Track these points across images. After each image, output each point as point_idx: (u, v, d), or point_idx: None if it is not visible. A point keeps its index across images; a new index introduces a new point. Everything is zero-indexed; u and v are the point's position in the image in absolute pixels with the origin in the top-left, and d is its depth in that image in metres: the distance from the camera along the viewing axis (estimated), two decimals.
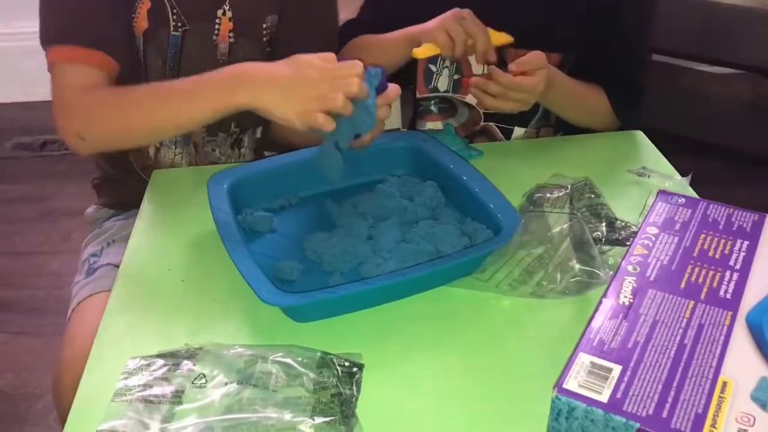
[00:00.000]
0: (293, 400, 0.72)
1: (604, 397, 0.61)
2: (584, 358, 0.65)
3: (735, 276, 0.75)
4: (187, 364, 0.76)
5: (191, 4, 1.16)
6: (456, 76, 1.24)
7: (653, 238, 0.81)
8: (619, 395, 0.61)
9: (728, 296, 0.72)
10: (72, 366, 0.97)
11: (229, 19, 1.18)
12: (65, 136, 1.09)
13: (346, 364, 0.78)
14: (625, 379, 0.62)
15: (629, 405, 0.60)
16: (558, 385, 0.62)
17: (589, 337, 0.67)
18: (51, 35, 1.11)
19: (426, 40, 1.10)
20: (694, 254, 0.79)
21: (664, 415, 0.59)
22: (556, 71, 1.15)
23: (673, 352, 0.65)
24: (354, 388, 0.75)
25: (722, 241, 0.80)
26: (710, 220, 0.84)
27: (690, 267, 0.77)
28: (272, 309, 0.86)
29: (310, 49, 0.95)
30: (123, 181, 1.30)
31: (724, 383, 0.62)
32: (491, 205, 0.96)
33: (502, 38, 1.13)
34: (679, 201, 0.87)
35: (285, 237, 1.00)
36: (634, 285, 0.74)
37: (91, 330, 0.87)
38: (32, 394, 1.83)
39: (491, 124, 1.27)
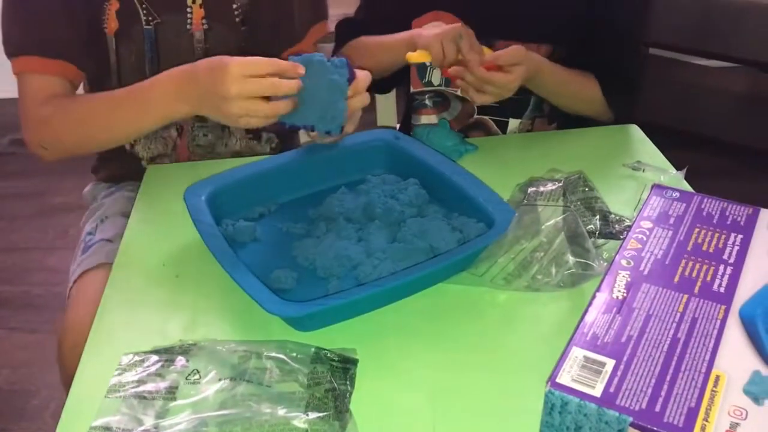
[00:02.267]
0: (287, 396, 0.72)
1: (597, 392, 0.61)
2: (577, 353, 0.65)
3: (728, 270, 0.75)
4: (180, 360, 0.76)
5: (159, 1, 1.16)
6: None
7: (647, 232, 0.81)
8: (612, 389, 0.61)
9: (722, 290, 0.72)
10: (73, 329, 0.99)
11: (200, 6, 1.19)
12: (29, 146, 1.14)
13: (340, 359, 0.78)
14: (619, 373, 0.63)
15: (622, 399, 0.60)
16: (551, 380, 0.62)
17: (582, 331, 0.67)
18: (12, 46, 1.12)
19: (421, 46, 1.11)
20: (688, 248, 0.79)
21: (657, 409, 0.59)
22: (542, 60, 1.16)
23: (666, 346, 0.65)
24: (348, 383, 0.75)
25: (716, 234, 0.81)
26: (704, 214, 0.84)
27: (684, 261, 0.77)
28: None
29: (297, 25, 1.09)
30: (115, 159, 1.31)
31: (717, 377, 0.62)
32: (480, 198, 0.96)
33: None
34: (674, 195, 0.87)
35: (269, 245, 0.99)
36: (628, 279, 0.74)
37: (93, 298, 0.88)
38: (28, 391, 1.83)
39: (485, 117, 1.27)
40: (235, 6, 1.21)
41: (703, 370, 0.63)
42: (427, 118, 1.30)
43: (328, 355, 0.78)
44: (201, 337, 0.81)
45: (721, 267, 0.76)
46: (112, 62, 1.19)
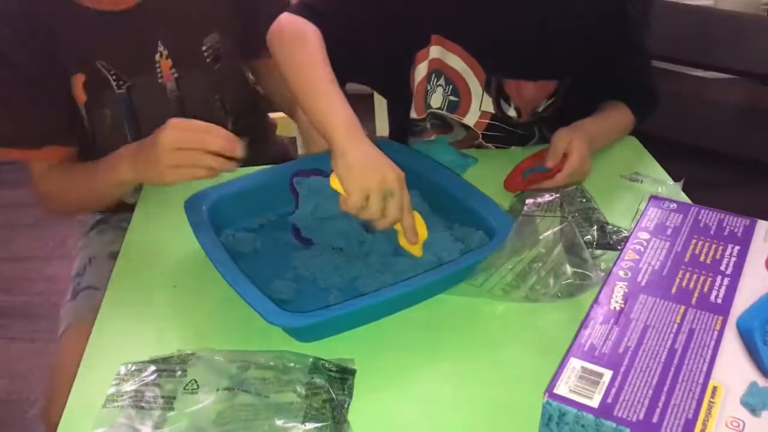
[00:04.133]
0: (285, 406, 0.72)
1: (594, 402, 0.61)
2: (575, 363, 0.65)
3: (726, 281, 0.75)
4: (179, 370, 0.76)
5: (127, 61, 1.16)
6: (453, 98, 1.19)
7: (645, 243, 0.81)
8: (609, 400, 0.61)
9: (719, 301, 0.73)
10: (60, 397, 0.95)
11: (167, 58, 1.18)
12: (43, 210, 1.26)
13: (338, 369, 0.78)
14: (616, 384, 0.63)
15: (620, 410, 0.60)
16: (549, 390, 0.62)
17: (580, 342, 0.67)
18: None
19: (342, 180, 0.90)
20: (686, 259, 0.79)
21: (655, 420, 0.59)
22: (588, 128, 1.12)
23: (663, 357, 0.66)
24: (346, 393, 0.75)
25: (713, 246, 0.81)
26: (702, 225, 0.84)
27: (681, 272, 0.77)
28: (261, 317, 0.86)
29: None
30: None
31: (715, 388, 0.62)
32: (480, 209, 0.96)
33: (420, 231, 0.94)
34: (671, 206, 0.87)
35: (269, 256, 0.99)
36: (626, 290, 0.74)
37: (76, 361, 0.84)
38: (26, 400, 1.83)
39: (489, 145, 1.25)
40: (204, 48, 1.21)
41: (701, 381, 0.63)
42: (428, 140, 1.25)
43: (326, 365, 0.78)
44: (199, 347, 0.81)
45: (719, 278, 0.76)
46: (88, 130, 1.18)
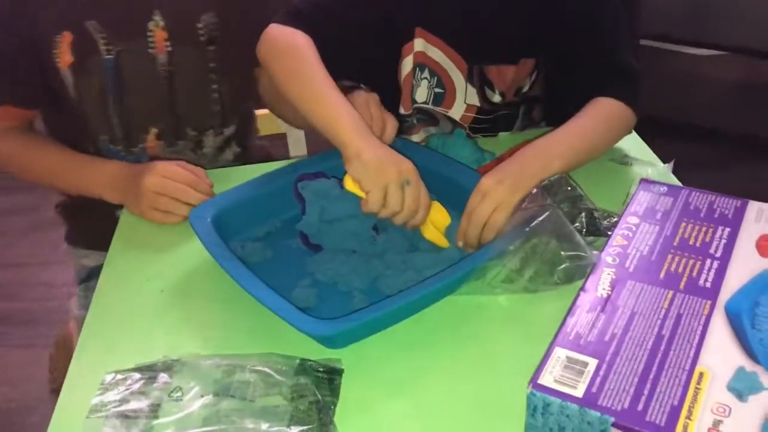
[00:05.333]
0: (271, 409, 0.71)
1: (579, 392, 0.60)
2: (560, 353, 0.64)
3: (715, 264, 0.74)
4: (163, 377, 0.75)
5: (118, 24, 1.12)
6: (438, 90, 1.17)
7: (633, 228, 0.80)
8: (594, 389, 0.60)
9: (708, 285, 0.71)
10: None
11: (163, 29, 1.15)
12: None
13: (325, 369, 0.77)
14: (601, 372, 0.62)
15: (604, 399, 0.59)
16: (533, 381, 0.61)
17: (565, 331, 0.66)
18: None
19: (360, 186, 0.91)
20: (675, 243, 0.78)
21: (640, 408, 0.58)
22: (516, 161, 0.97)
23: (650, 344, 0.65)
24: (333, 394, 0.74)
25: (703, 228, 0.79)
26: (692, 207, 0.83)
27: (670, 256, 0.76)
28: (250, 317, 0.85)
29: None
30: (88, 220, 1.29)
31: (701, 374, 0.61)
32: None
33: (441, 218, 0.96)
34: (661, 189, 0.86)
35: (283, 264, 0.96)
36: (613, 276, 0.73)
37: None
38: (27, 407, 1.82)
39: (478, 136, 1.22)
40: (200, 25, 1.17)
41: (687, 367, 0.62)
42: (418, 137, 1.23)
43: (314, 366, 0.77)
44: (185, 353, 0.80)
45: (708, 261, 0.75)
46: (72, 97, 1.15)
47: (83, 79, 1.13)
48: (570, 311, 0.69)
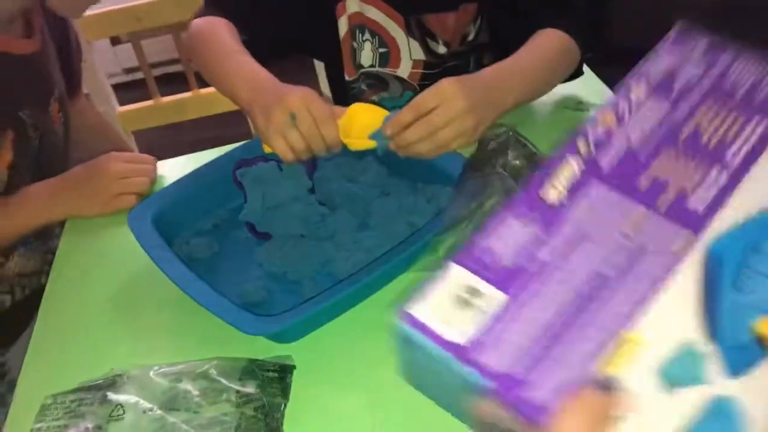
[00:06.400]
0: (218, 419, 0.67)
1: (460, 338, 0.40)
2: (457, 274, 0.42)
3: (723, 177, 0.45)
4: (105, 395, 0.71)
5: (39, 109, 1.09)
6: (382, 50, 1.12)
7: (635, 104, 0.48)
8: (482, 337, 0.40)
9: (699, 209, 0.44)
10: None
11: (55, 101, 1.14)
12: None
13: (275, 368, 0.73)
14: (503, 314, 0.41)
15: (486, 354, 0.39)
16: (404, 308, 0.41)
17: (475, 243, 0.43)
18: None
19: (263, 141, 0.86)
20: (681, 136, 0.46)
21: (522, 375, 0.39)
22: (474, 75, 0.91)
23: (585, 285, 0.41)
24: (281, 395, 0.70)
25: (729, 118, 0.47)
26: (728, 83, 0.48)
27: (665, 156, 0.46)
28: (201, 320, 0.81)
29: None
30: None
31: (628, 341, 0.40)
32: (441, 163, 0.88)
33: (371, 119, 0.86)
34: (698, 47, 0.49)
35: (232, 257, 0.92)
36: (576, 173, 0.45)
37: None
38: None
39: None
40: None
41: (613, 327, 0.40)
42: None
43: (263, 366, 0.73)
44: (133, 364, 0.76)
45: (715, 170, 0.44)
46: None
47: (20, 172, 1.07)
48: (497, 214, 0.44)
